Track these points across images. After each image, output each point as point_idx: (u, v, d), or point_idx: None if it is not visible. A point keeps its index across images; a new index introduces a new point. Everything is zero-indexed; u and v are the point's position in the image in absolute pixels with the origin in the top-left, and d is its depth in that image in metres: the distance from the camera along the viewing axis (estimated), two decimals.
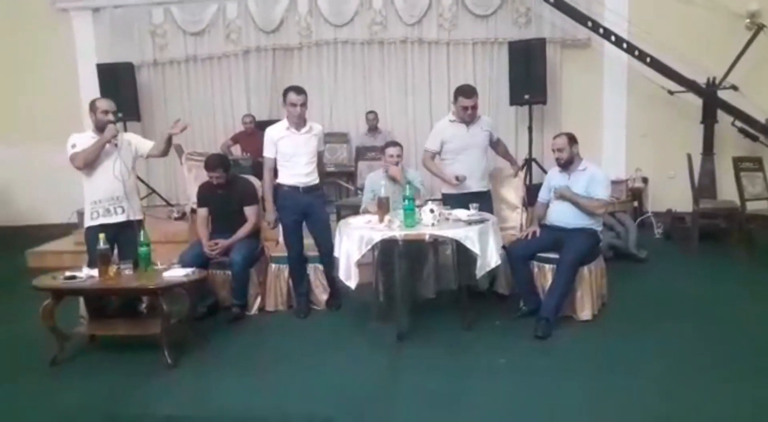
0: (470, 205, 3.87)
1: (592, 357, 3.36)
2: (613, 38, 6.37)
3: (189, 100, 7.70)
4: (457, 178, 4.17)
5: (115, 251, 3.76)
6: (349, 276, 3.59)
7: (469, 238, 3.47)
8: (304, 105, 4.01)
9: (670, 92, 6.45)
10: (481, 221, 3.65)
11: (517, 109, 7.04)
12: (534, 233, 4.04)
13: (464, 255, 3.76)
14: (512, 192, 4.68)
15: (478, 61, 7.26)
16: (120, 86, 7.10)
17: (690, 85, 6.27)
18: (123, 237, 3.77)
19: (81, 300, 3.82)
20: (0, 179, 7.41)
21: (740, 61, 6.22)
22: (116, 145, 3.74)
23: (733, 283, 4.67)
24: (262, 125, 7.14)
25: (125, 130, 7.20)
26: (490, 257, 3.56)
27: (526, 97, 6.64)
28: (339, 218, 4.92)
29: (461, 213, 3.80)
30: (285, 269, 4.31)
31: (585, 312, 3.87)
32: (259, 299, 4.30)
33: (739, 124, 6.29)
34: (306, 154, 4.07)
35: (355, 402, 2.94)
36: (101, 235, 3.48)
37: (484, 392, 3.00)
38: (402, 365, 3.35)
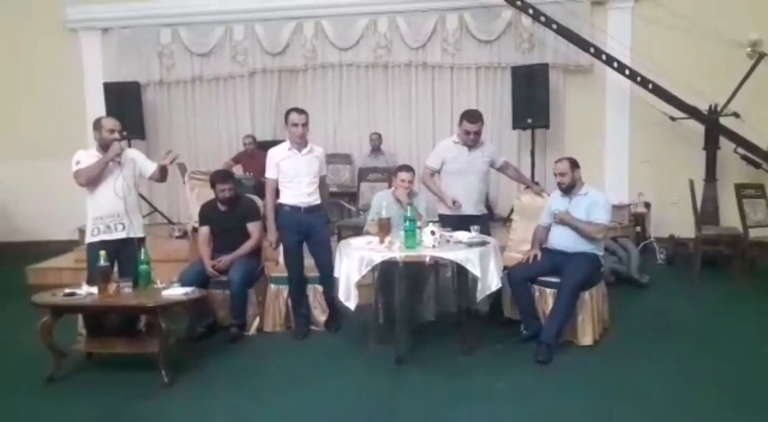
0: (471, 228, 3.86)
1: (593, 383, 3.33)
2: (615, 64, 6.43)
3: (194, 119, 7.76)
4: (454, 203, 4.19)
5: (115, 268, 3.75)
6: (349, 297, 3.57)
7: (470, 261, 3.46)
8: (305, 125, 4.05)
9: (672, 118, 6.49)
10: (482, 243, 3.64)
11: (520, 133, 7.08)
12: (535, 257, 4.03)
13: (465, 278, 3.75)
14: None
15: (482, 85, 7.32)
16: (126, 105, 7.16)
17: (692, 112, 6.30)
18: (123, 254, 3.77)
19: (80, 317, 3.80)
20: (3, 195, 7.45)
21: (742, 88, 6.27)
22: (120, 163, 3.76)
23: (736, 310, 4.65)
24: (266, 146, 7.18)
25: (129, 146, 7.30)
26: (490, 280, 3.55)
27: (529, 121, 6.68)
28: (339, 238, 4.91)
29: (462, 235, 3.79)
30: (284, 289, 4.29)
31: (586, 337, 3.83)
32: (257, 319, 4.28)
33: (741, 150, 6.30)
34: (307, 174, 4.09)
35: None
36: (102, 253, 3.48)
37: (484, 416, 2.97)
38: (401, 388, 3.31)
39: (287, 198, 4.11)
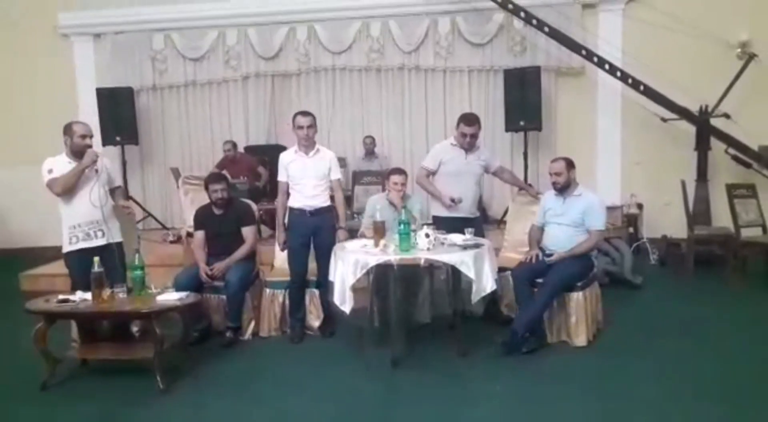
0: (465, 230, 3.88)
1: (587, 383, 3.33)
2: (606, 66, 6.47)
3: (187, 124, 7.76)
4: (452, 200, 4.19)
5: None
6: (344, 300, 3.57)
7: (465, 263, 3.47)
8: (311, 127, 4.08)
9: (664, 119, 6.53)
10: (477, 246, 3.65)
11: (513, 136, 7.12)
12: (537, 256, 4.03)
13: (459, 280, 3.76)
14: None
15: (474, 88, 7.36)
16: (119, 110, 7.18)
17: (683, 113, 6.35)
18: (104, 260, 3.61)
19: (73, 323, 3.79)
20: None
21: (732, 89, 6.32)
22: (96, 170, 3.68)
23: (729, 309, 4.67)
24: (259, 150, 7.23)
25: (123, 152, 7.28)
26: (485, 282, 3.56)
27: (522, 123, 6.72)
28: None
29: (456, 237, 3.81)
30: (279, 294, 4.29)
31: (580, 338, 3.85)
32: (253, 324, 4.27)
33: (732, 151, 6.35)
34: (313, 177, 4.10)
35: None
36: (96, 259, 3.44)
37: (481, 419, 2.97)
38: (397, 391, 3.31)
39: (294, 200, 4.14)
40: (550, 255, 3.97)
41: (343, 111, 7.58)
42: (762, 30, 6.52)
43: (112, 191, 3.90)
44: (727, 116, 6.27)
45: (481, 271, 3.54)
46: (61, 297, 3.52)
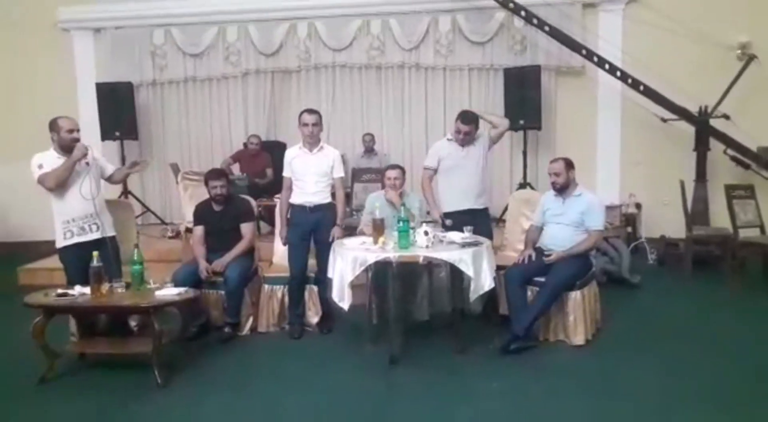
0: (464, 228, 3.88)
1: (585, 382, 3.35)
2: (607, 66, 6.47)
3: (187, 120, 7.73)
4: (443, 220, 4.23)
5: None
6: (343, 297, 3.58)
7: (463, 261, 3.48)
8: (316, 125, 4.11)
9: (663, 120, 6.54)
10: (475, 244, 3.66)
11: (512, 134, 7.09)
12: (530, 257, 4.04)
13: (458, 278, 3.77)
14: None
15: (474, 86, 7.35)
16: (119, 105, 7.16)
17: (682, 113, 6.35)
18: (100, 254, 3.60)
19: (71, 318, 3.78)
20: None
21: (732, 90, 6.33)
22: (87, 163, 3.69)
23: (726, 309, 4.69)
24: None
25: (122, 147, 7.27)
26: (484, 280, 3.57)
27: (521, 122, 6.71)
28: None
29: (455, 235, 3.81)
30: (278, 290, 4.30)
31: (578, 337, 3.86)
32: (251, 319, 4.28)
33: (731, 152, 6.36)
34: (314, 173, 4.12)
35: None
36: (95, 253, 3.45)
37: (478, 416, 2.98)
38: (395, 388, 3.32)
39: (295, 196, 4.18)
40: (549, 254, 3.97)
41: (343, 108, 7.57)
42: (762, 32, 6.53)
43: (110, 177, 3.93)
44: (726, 117, 6.28)
45: (479, 269, 3.54)
46: (60, 291, 3.52)
